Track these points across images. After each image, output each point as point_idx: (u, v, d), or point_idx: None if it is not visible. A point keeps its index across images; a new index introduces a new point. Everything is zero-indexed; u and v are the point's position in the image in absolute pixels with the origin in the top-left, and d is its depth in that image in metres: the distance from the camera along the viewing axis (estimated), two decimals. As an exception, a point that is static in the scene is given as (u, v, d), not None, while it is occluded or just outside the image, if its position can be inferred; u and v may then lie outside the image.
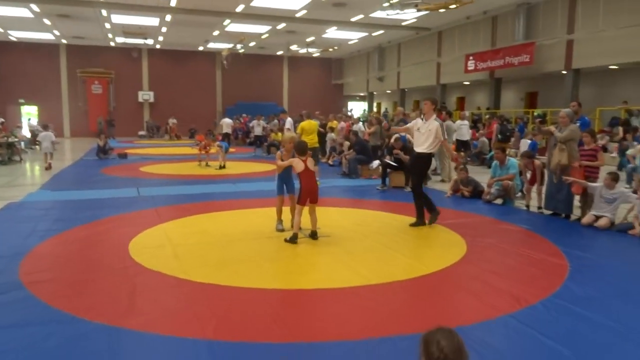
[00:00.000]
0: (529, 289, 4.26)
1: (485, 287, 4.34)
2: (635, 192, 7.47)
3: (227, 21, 23.24)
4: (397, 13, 19.37)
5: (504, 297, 4.07)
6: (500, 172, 8.48)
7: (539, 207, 7.80)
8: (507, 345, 3.29)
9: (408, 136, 10.62)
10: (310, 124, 11.47)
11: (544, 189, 7.77)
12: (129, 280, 4.49)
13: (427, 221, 6.85)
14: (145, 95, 31.90)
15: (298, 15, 21.85)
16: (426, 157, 6.91)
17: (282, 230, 6.38)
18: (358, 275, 4.68)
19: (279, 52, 33.38)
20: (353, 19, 22.64)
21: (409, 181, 9.86)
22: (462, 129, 15.27)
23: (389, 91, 31.97)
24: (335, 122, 16.12)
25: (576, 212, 7.33)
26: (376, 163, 11.87)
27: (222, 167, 13.45)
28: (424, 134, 6.73)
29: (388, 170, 10.15)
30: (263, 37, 27.11)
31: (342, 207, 8.31)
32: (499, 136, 15.97)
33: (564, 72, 18.26)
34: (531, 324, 3.57)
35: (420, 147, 6.80)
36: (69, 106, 30.61)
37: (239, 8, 20.52)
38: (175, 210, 7.82)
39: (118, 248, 5.53)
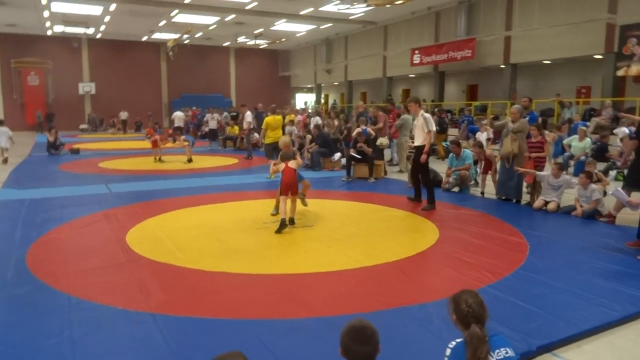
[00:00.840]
0: (500, 264, 4.99)
1: (464, 264, 5.02)
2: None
3: (175, 11, 22.92)
4: (348, 7, 19.98)
5: (481, 272, 4.76)
6: (457, 163, 9.29)
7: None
8: (493, 309, 3.90)
9: (369, 130, 11.29)
10: (275, 119, 11.83)
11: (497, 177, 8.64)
12: (141, 271, 4.78)
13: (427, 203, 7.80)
14: (86, 87, 30.76)
15: (248, 7, 21.97)
16: (423, 149, 7.76)
17: (276, 214, 7.07)
18: (351, 259, 5.22)
19: (226, 43, 33.16)
20: (302, 12, 23.02)
21: (373, 172, 10.56)
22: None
23: (336, 83, 32.68)
24: (292, 115, 16.51)
25: (525, 198, 8.26)
26: (337, 155, 12.46)
27: (189, 161, 13.53)
28: (418, 129, 7.80)
29: (352, 162, 10.74)
30: (211, 28, 26.90)
31: (313, 197, 8.73)
32: (437, 127, 16.97)
33: (503, 66, 19.67)
34: (507, 291, 4.26)
35: (418, 141, 7.89)
36: (3, 98, 29.05)
37: (189, -1, 20.42)
38: (156, 205, 7.99)
39: (117, 242, 5.76)
